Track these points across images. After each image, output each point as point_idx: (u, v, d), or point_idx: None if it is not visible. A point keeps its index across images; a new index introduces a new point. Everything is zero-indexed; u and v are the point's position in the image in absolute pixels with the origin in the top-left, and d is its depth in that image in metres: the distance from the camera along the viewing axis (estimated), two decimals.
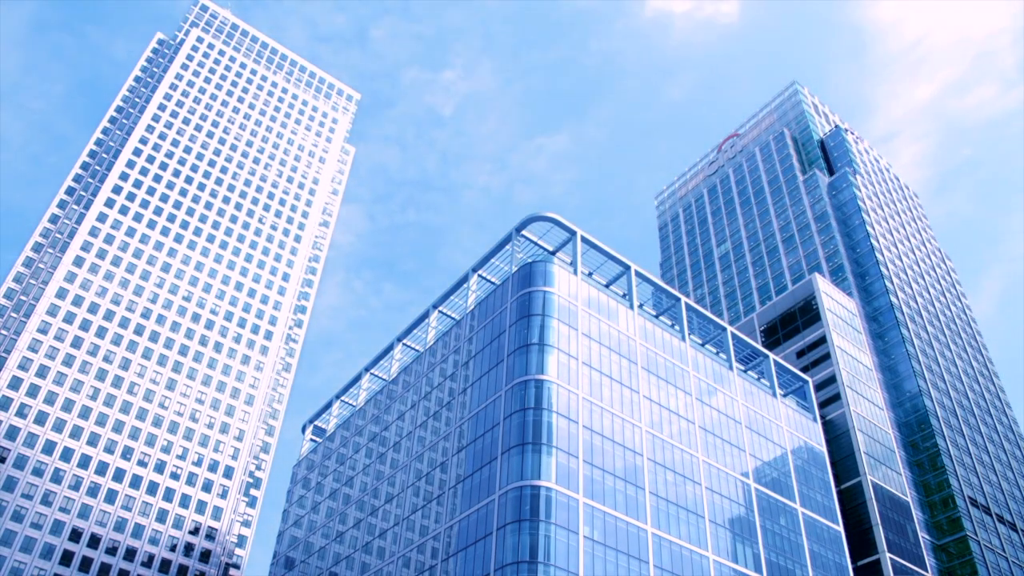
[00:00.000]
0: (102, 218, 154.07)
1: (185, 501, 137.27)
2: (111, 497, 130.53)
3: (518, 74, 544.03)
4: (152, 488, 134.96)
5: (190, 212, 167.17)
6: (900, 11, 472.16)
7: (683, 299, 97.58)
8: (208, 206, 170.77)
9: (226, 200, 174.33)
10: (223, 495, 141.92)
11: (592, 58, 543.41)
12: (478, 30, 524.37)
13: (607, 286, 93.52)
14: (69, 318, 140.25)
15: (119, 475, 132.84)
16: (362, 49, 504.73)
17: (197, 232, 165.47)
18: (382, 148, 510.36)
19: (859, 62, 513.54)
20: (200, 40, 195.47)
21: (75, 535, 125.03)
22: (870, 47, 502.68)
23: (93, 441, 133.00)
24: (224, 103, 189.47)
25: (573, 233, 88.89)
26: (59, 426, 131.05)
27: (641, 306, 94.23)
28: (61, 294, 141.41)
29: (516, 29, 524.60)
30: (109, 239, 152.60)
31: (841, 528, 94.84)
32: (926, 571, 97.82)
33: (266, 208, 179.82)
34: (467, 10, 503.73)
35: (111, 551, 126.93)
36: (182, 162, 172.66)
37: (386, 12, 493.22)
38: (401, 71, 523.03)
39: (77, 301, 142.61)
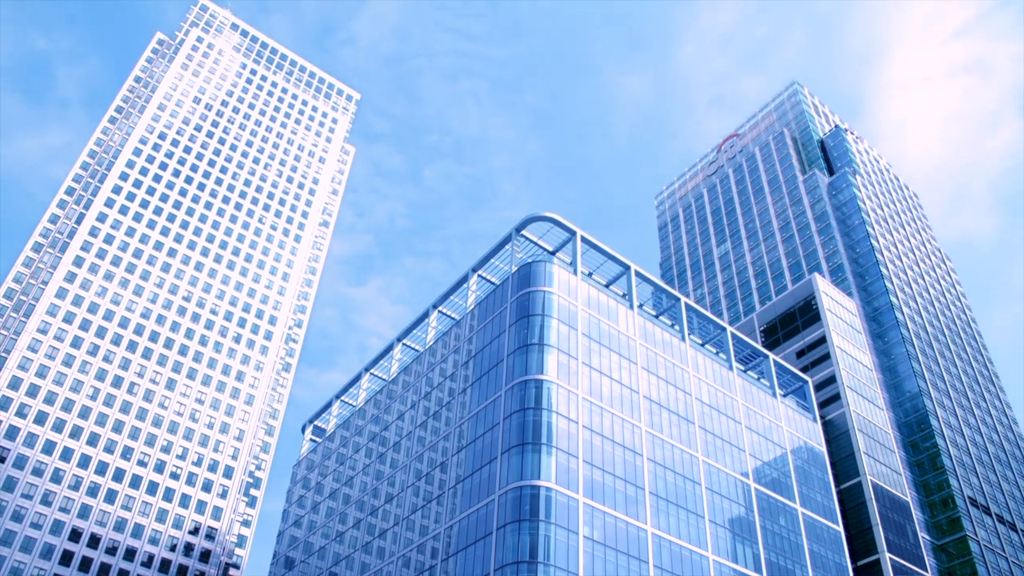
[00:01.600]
0: (102, 218, 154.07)
1: (185, 501, 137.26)
2: (111, 497, 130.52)
3: (515, 63, 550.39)
4: (152, 488, 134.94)
5: (190, 212, 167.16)
6: (900, 7, 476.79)
7: (683, 299, 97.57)
8: (208, 206, 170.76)
9: (226, 200, 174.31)
10: (223, 495, 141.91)
11: (592, 51, 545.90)
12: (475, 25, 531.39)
13: (607, 286, 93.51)
14: (69, 318, 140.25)
15: (119, 475, 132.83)
16: (355, 44, 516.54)
17: (197, 232, 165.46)
18: (380, 143, 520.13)
19: (859, 63, 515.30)
20: (200, 40, 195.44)
21: (75, 535, 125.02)
22: (874, 52, 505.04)
23: (93, 441, 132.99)
24: (224, 103, 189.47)
25: (573, 233, 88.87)
26: (59, 426, 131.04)
27: (641, 306, 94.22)
28: (61, 294, 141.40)
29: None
30: (109, 239, 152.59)
31: (841, 528, 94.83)
32: (926, 571, 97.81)
33: (266, 208, 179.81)
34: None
35: (111, 551, 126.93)
36: (182, 162, 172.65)
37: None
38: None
39: (77, 301, 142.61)
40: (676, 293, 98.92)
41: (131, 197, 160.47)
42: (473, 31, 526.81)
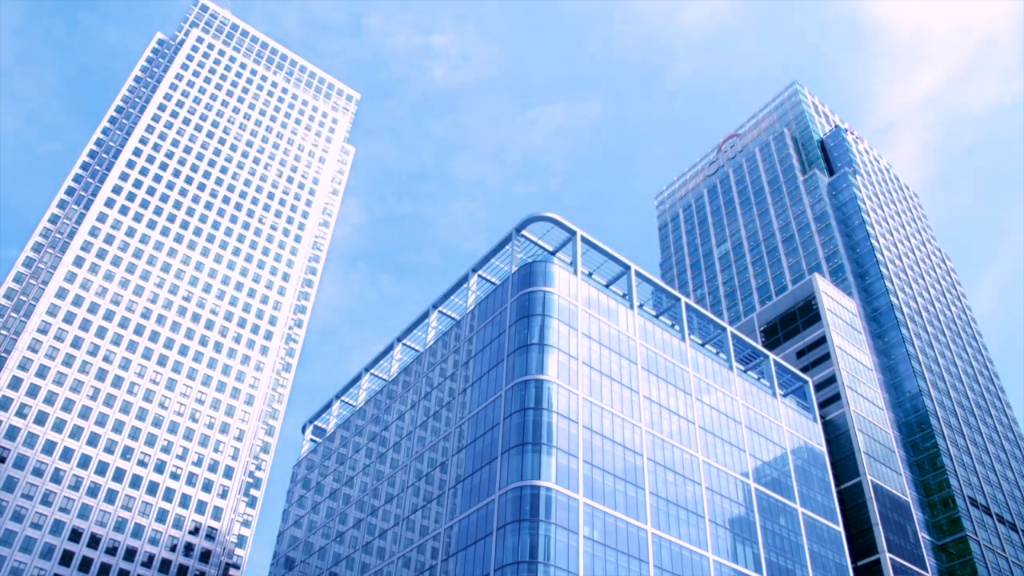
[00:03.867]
0: (102, 218, 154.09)
1: (185, 501, 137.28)
2: (111, 497, 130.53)
3: (513, 61, 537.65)
4: (152, 488, 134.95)
5: (190, 212, 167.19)
6: (898, 2, 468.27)
7: (683, 299, 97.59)
8: (208, 206, 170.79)
9: (226, 200, 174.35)
10: (223, 495, 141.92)
11: (591, 51, 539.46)
12: (472, 20, 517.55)
13: (607, 286, 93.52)
14: (69, 318, 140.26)
15: (119, 475, 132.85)
16: (356, 39, 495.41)
17: (197, 232, 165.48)
18: (379, 141, 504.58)
19: (858, 55, 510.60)
20: (200, 40, 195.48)
21: (75, 535, 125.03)
22: (868, 39, 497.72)
23: (93, 441, 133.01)
24: (224, 103, 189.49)
25: (573, 233, 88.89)
26: (59, 426, 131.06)
27: (641, 306, 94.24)
28: (61, 294, 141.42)
29: (513, 21, 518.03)
30: (109, 239, 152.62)
31: (841, 528, 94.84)
32: (926, 571, 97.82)
33: (266, 208, 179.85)
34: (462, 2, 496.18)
35: (111, 551, 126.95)
36: (182, 162, 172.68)
37: (381, 2, 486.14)
38: (396, 61, 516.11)
39: (77, 301, 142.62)
40: (676, 293, 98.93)
41: (131, 197, 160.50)
42: None
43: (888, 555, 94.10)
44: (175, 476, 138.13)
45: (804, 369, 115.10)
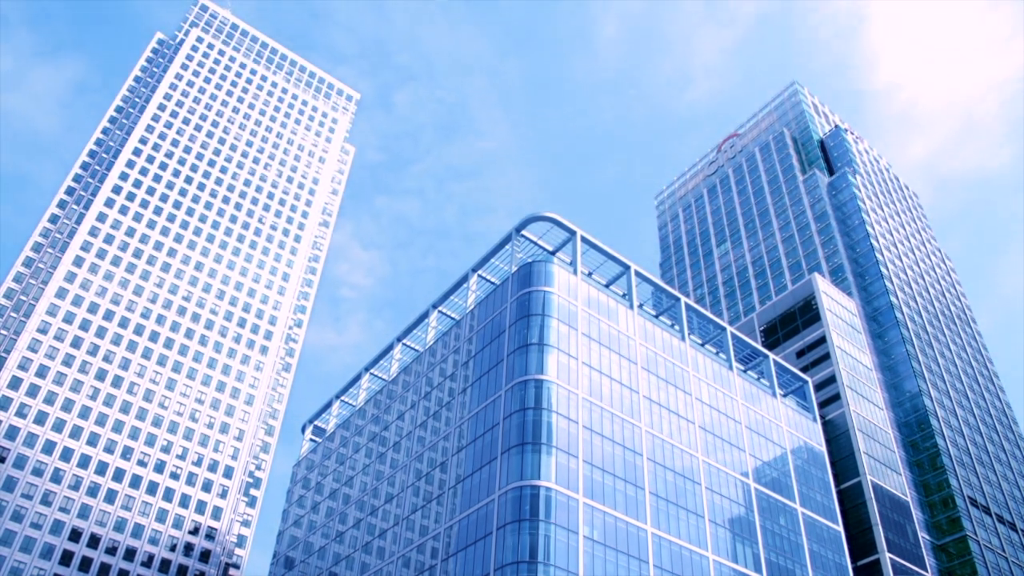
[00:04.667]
0: (102, 218, 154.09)
1: (185, 501, 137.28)
2: (111, 497, 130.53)
3: (534, 134, 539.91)
4: (152, 488, 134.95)
5: (190, 212, 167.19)
6: (894, 77, 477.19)
7: (683, 299, 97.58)
8: (208, 206, 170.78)
9: (226, 200, 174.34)
10: (223, 495, 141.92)
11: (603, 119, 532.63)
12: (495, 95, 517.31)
13: (607, 286, 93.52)
14: (69, 318, 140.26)
15: (119, 475, 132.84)
16: (387, 113, 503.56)
17: (197, 232, 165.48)
18: (402, 199, 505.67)
19: (854, 125, 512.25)
20: (200, 40, 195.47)
21: (75, 535, 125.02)
22: (864, 112, 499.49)
23: (93, 441, 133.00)
24: (224, 103, 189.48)
25: (573, 233, 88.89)
26: (59, 426, 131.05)
27: (641, 306, 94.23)
28: (61, 294, 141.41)
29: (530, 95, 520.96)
30: (109, 239, 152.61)
31: (841, 528, 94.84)
32: (926, 571, 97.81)
33: (266, 208, 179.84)
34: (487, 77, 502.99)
35: (111, 551, 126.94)
36: (182, 162, 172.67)
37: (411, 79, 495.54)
38: (423, 134, 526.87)
39: (77, 301, 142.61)
40: (676, 293, 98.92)
41: (131, 197, 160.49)
42: None
43: (888, 555, 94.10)
44: (175, 476, 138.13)
45: (804, 369, 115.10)
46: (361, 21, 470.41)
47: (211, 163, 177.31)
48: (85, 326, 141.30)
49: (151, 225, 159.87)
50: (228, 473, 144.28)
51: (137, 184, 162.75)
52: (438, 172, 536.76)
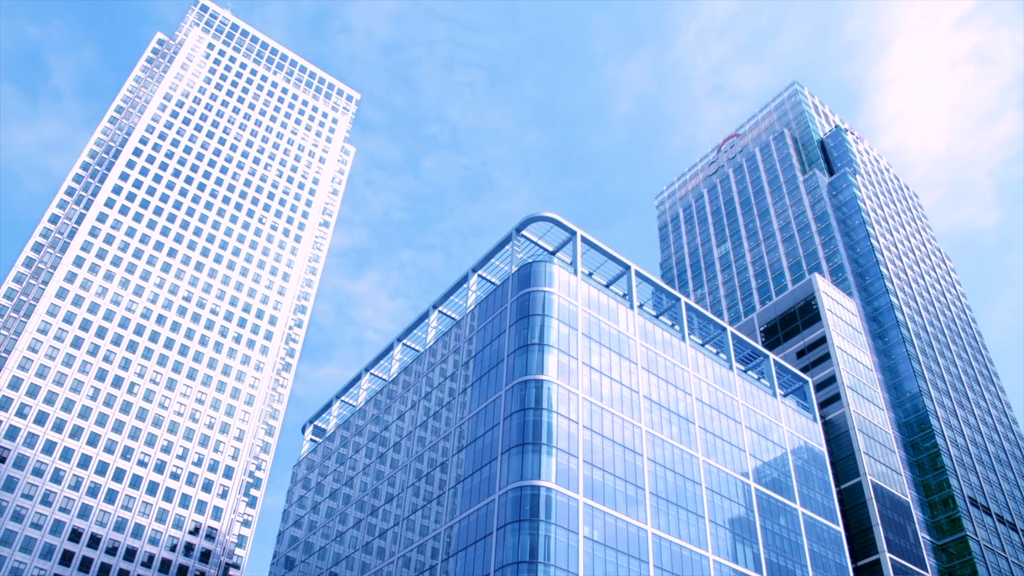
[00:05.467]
0: (102, 218, 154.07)
1: (185, 501, 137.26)
2: (111, 497, 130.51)
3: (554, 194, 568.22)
4: (152, 488, 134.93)
5: (190, 212, 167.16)
6: (891, 144, 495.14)
7: (683, 299, 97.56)
8: (208, 206, 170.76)
9: (226, 200, 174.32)
10: (223, 495, 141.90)
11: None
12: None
13: (607, 286, 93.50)
14: (69, 318, 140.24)
15: (119, 475, 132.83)
16: (415, 176, 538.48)
17: (197, 232, 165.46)
18: (427, 254, 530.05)
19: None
20: (200, 40, 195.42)
21: (75, 535, 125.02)
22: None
23: (93, 441, 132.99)
24: (224, 103, 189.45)
25: (573, 233, 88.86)
26: (59, 426, 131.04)
27: (641, 306, 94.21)
28: (61, 294, 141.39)
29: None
30: (109, 239, 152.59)
31: (841, 528, 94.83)
32: (926, 571, 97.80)
33: (266, 208, 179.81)
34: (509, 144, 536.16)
35: (111, 551, 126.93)
36: (182, 162, 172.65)
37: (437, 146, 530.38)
38: (448, 196, 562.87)
39: (77, 301, 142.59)
40: (676, 293, 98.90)
41: (131, 197, 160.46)
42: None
43: (888, 555, 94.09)
44: (175, 476, 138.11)
45: (804, 369, 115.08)
46: (393, 96, 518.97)
47: (211, 163, 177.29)
48: (85, 326, 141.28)
49: (151, 225, 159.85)
50: (228, 473, 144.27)
51: (137, 184, 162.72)
52: (462, 229, 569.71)
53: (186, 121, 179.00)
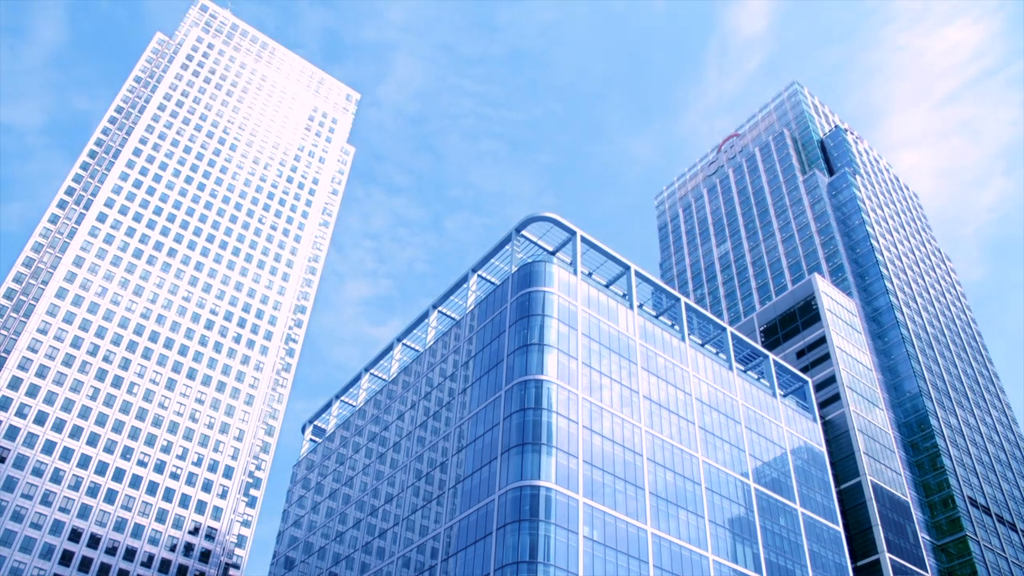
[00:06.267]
0: (102, 218, 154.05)
1: (185, 501, 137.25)
2: (111, 497, 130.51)
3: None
4: (152, 488, 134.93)
5: (190, 212, 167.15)
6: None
7: (683, 299, 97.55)
8: (208, 206, 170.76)
9: (226, 200, 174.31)
10: (223, 495, 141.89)
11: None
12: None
13: (607, 286, 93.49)
14: (69, 318, 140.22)
15: (119, 475, 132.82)
16: (439, 235, 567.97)
17: (197, 232, 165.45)
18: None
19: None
20: (200, 40, 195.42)
21: (75, 535, 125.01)
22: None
23: (93, 441, 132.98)
24: (224, 103, 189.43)
25: (573, 233, 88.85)
26: (59, 426, 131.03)
27: (641, 306, 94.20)
28: (61, 294, 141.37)
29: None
30: (109, 239, 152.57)
31: (841, 528, 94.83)
32: (926, 571, 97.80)
33: (266, 208, 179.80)
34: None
35: (111, 551, 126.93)
36: (182, 162, 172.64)
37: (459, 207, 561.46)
38: (468, 251, 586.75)
39: (77, 301, 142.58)
40: (676, 293, 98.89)
41: (131, 197, 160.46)
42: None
43: (888, 555, 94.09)
44: (175, 476, 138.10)
45: (804, 369, 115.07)
46: (418, 161, 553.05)
47: (211, 163, 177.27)
48: (85, 326, 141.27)
49: (151, 225, 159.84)
50: (228, 473, 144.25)
51: (137, 184, 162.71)
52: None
53: (186, 121, 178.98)
